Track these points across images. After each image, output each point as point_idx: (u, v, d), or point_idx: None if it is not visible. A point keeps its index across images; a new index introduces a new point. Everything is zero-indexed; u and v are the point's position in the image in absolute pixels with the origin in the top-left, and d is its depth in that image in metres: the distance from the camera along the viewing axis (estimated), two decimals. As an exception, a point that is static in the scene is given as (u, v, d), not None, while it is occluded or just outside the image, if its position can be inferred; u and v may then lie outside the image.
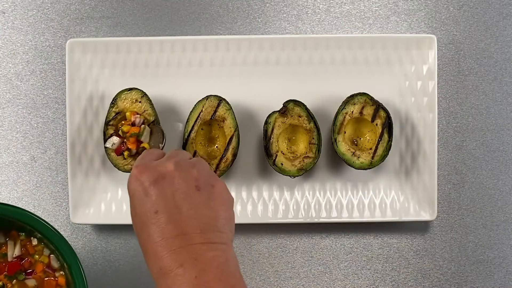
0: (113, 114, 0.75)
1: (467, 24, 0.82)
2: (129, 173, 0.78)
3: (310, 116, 0.76)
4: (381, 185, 0.79)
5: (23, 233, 0.71)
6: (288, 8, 0.82)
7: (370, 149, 0.76)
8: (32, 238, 0.71)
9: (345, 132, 0.76)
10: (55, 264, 0.70)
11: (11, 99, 0.82)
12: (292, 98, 0.77)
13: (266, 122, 0.76)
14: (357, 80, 0.79)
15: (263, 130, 0.77)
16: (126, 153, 0.75)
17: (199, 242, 0.53)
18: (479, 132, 0.81)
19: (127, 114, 0.75)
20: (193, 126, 0.76)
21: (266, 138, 0.76)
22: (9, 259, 0.70)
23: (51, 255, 0.70)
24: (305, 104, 0.76)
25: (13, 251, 0.70)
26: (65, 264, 0.68)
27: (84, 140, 0.78)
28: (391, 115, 0.78)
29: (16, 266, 0.70)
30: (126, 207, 0.78)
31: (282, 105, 0.76)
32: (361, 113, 0.76)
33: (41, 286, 0.70)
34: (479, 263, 0.81)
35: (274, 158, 0.75)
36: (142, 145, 0.75)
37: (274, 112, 0.76)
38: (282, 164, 0.75)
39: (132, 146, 0.75)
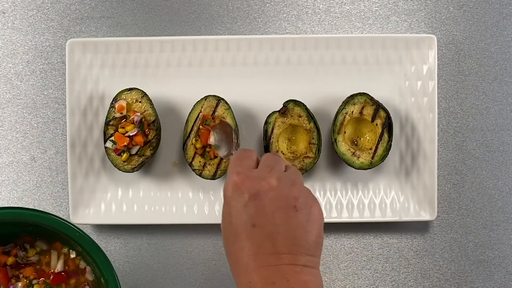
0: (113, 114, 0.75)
1: (467, 24, 0.82)
2: (128, 173, 0.78)
3: (310, 116, 0.75)
4: (381, 185, 0.79)
5: (67, 247, 0.69)
6: (288, 8, 0.82)
7: (370, 149, 0.76)
8: (71, 250, 0.69)
9: (345, 132, 0.76)
10: (89, 277, 0.69)
11: (11, 99, 0.82)
12: (292, 98, 0.77)
13: (266, 122, 0.76)
14: (357, 80, 0.79)
15: (263, 130, 0.77)
16: (125, 155, 0.74)
17: (293, 263, 0.53)
18: (479, 132, 0.81)
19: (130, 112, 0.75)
20: (192, 127, 0.75)
21: (266, 138, 0.76)
22: (51, 269, 0.69)
23: (86, 267, 0.69)
24: (305, 104, 0.76)
25: (56, 263, 0.69)
26: (101, 278, 0.65)
27: (84, 140, 0.78)
28: (391, 115, 0.78)
29: (61, 279, 0.68)
30: (126, 207, 0.78)
31: (282, 105, 0.76)
32: (361, 113, 0.75)
33: None
34: (479, 263, 0.81)
35: (274, 158, 0.75)
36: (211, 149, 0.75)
37: (274, 112, 0.76)
38: (282, 164, 0.75)
39: (119, 141, 0.74)
